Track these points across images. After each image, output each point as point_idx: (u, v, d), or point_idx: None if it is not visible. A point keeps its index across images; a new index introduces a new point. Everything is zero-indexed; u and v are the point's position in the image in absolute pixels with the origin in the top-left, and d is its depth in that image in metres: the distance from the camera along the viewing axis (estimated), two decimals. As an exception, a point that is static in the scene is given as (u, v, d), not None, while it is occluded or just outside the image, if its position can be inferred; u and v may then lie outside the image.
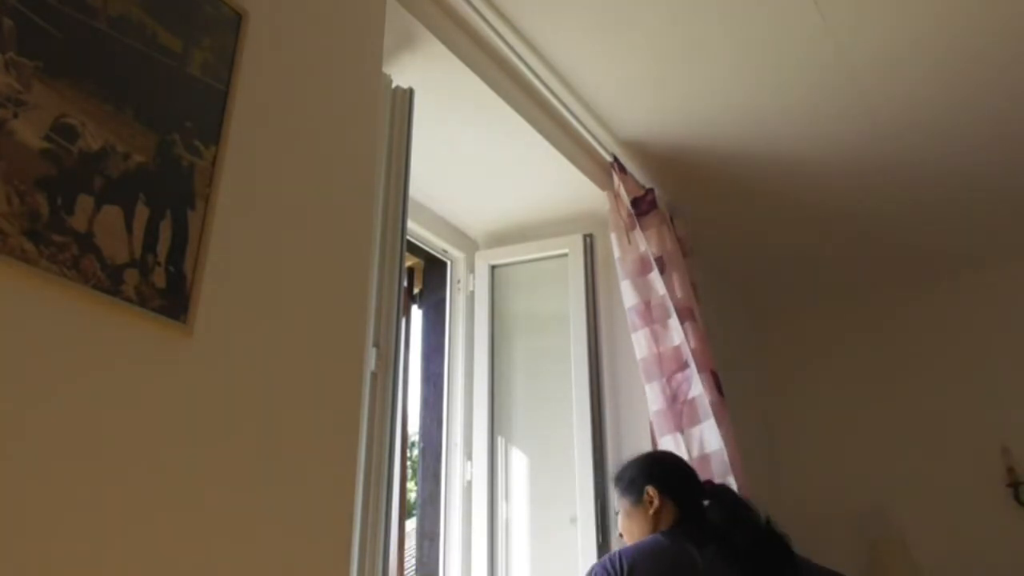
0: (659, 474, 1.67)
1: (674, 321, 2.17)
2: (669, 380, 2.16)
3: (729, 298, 3.33)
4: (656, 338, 2.20)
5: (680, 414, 2.13)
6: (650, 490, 1.63)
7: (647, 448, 2.20)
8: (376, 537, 1.34)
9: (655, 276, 2.23)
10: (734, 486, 2.02)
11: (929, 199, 2.73)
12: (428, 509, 2.23)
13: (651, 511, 1.61)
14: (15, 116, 0.88)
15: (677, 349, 2.17)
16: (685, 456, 2.10)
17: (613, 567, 1.45)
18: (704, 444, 2.08)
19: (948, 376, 3.14)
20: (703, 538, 1.51)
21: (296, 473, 1.13)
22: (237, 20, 1.21)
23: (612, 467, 2.21)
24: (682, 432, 2.11)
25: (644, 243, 2.26)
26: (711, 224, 2.83)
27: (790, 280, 3.35)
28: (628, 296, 2.25)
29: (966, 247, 3.07)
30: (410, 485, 2.62)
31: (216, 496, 1.01)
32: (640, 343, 2.21)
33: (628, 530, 1.65)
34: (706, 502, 1.63)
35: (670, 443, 2.12)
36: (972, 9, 1.93)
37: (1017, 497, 2.86)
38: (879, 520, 3.07)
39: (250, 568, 1.03)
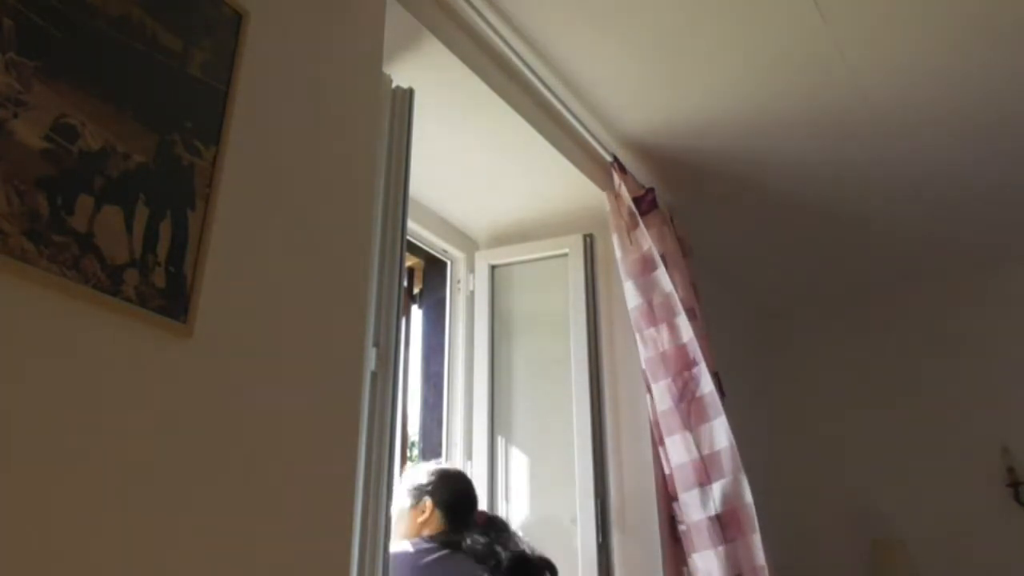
0: (441, 490, 1.79)
1: (682, 319, 2.17)
2: (676, 378, 2.15)
3: (729, 298, 3.33)
4: (661, 337, 2.20)
5: (688, 412, 2.12)
6: (430, 501, 1.76)
7: (647, 449, 2.21)
8: (376, 537, 1.34)
9: (661, 273, 2.22)
10: (744, 484, 2.02)
11: (929, 200, 2.73)
12: (428, 509, 2.22)
13: (420, 519, 1.74)
14: (15, 116, 0.88)
15: (685, 347, 2.17)
16: (695, 454, 2.09)
17: None
18: (714, 441, 2.08)
19: (948, 376, 3.14)
20: (458, 549, 1.66)
21: (296, 473, 1.13)
22: (237, 20, 1.21)
23: (612, 467, 2.21)
24: (691, 430, 2.11)
25: (648, 241, 2.25)
26: (711, 224, 2.83)
27: (790, 280, 3.36)
28: (631, 297, 2.25)
29: (966, 248, 3.07)
30: (410, 485, 2.61)
31: (216, 496, 1.01)
32: (644, 344, 2.21)
33: (396, 528, 1.75)
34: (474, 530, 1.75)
35: (678, 442, 2.11)
36: (973, 8, 1.93)
37: (1017, 497, 2.86)
38: (879, 520, 3.07)
39: (250, 568, 1.03)
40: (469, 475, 1.98)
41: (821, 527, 3.14)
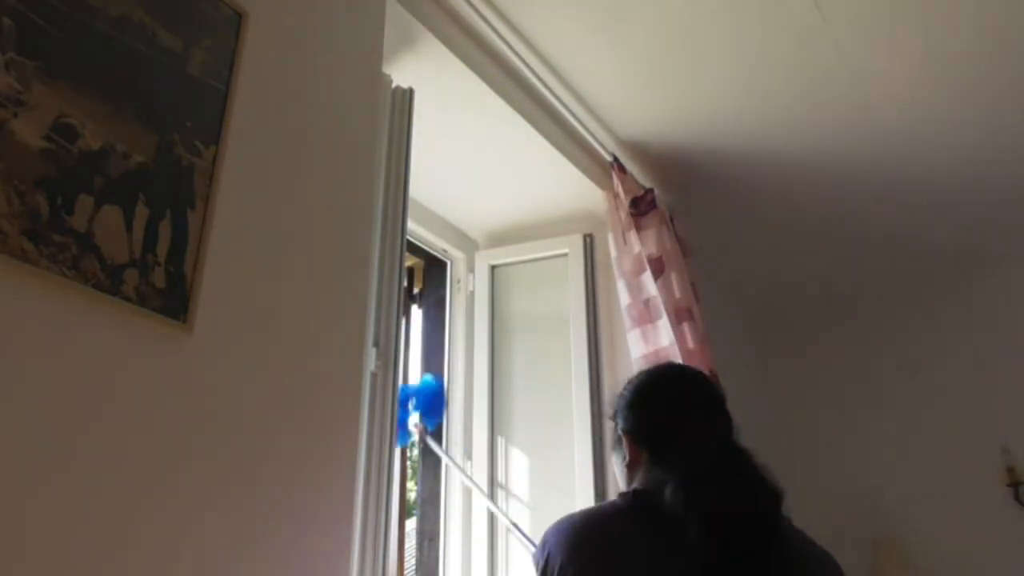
0: (635, 414, 1.22)
1: (663, 322, 2.18)
2: None
3: (729, 298, 3.33)
4: (645, 339, 2.20)
5: None
6: (624, 437, 1.22)
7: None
8: (376, 537, 1.34)
9: (647, 276, 2.23)
10: None
11: (930, 200, 2.73)
12: (428, 509, 2.23)
13: (625, 463, 1.20)
14: (15, 116, 0.88)
15: (665, 350, 2.18)
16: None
17: (540, 547, 1.11)
18: None
19: (948, 376, 3.14)
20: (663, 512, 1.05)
21: (296, 473, 1.13)
22: (237, 20, 1.21)
23: (611, 468, 2.21)
24: None
25: (639, 244, 2.26)
26: (711, 224, 2.83)
27: (790, 280, 3.35)
28: (623, 296, 2.25)
29: (966, 248, 3.06)
30: (410, 485, 2.62)
31: (216, 495, 1.01)
32: (635, 342, 2.22)
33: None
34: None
35: None
36: (973, 7, 1.93)
37: (1017, 497, 2.86)
38: (879, 520, 3.07)
39: (250, 567, 1.03)
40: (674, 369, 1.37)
41: (821, 527, 3.13)
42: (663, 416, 1.21)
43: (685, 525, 1.02)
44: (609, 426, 1.27)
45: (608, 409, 1.30)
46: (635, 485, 1.16)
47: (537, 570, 1.09)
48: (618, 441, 1.24)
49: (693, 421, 1.19)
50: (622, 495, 1.16)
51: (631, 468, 1.19)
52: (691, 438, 1.15)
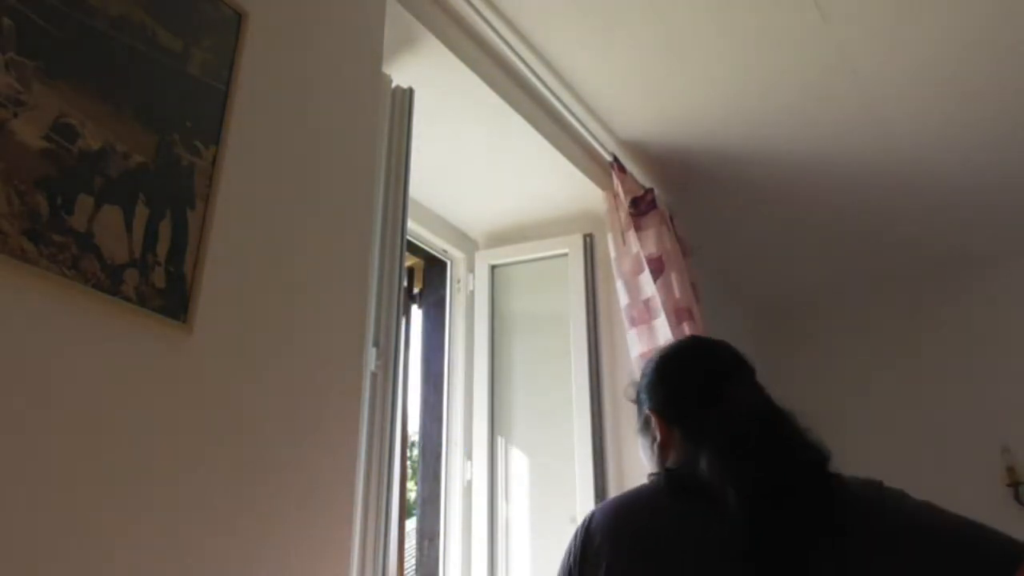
0: (662, 391, 1.17)
1: (661, 322, 2.18)
2: None
3: (729, 298, 3.33)
4: (642, 339, 2.21)
5: None
6: (653, 416, 1.16)
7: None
8: (376, 537, 1.34)
9: (645, 276, 2.24)
10: None
11: (930, 199, 2.73)
12: (428, 509, 2.23)
13: (655, 444, 1.15)
14: (15, 116, 0.88)
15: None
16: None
17: (582, 526, 1.08)
18: None
19: (948, 376, 3.14)
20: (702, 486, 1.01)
21: (296, 472, 1.13)
22: (237, 20, 1.21)
23: (612, 467, 2.21)
24: None
25: (637, 245, 2.26)
26: (711, 224, 2.83)
27: (789, 280, 3.35)
28: (622, 296, 2.26)
29: (966, 246, 3.07)
30: (410, 485, 2.62)
31: (216, 495, 1.01)
32: (634, 342, 2.22)
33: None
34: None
35: None
36: (974, 7, 1.93)
37: (1017, 497, 2.86)
38: (879, 520, 3.07)
39: (250, 567, 1.03)
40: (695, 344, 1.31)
41: (821, 527, 3.14)
42: (691, 388, 1.15)
43: (723, 496, 0.96)
44: (632, 410, 1.22)
45: (631, 392, 1.23)
46: (669, 464, 1.11)
47: (576, 542, 1.05)
48: (645, 424, 1.18)
49: (724, 389, 1.12)
50: (654, 475, 1.11)
51: (664, 448, 1.13)
52: (724, 406, 1.08)
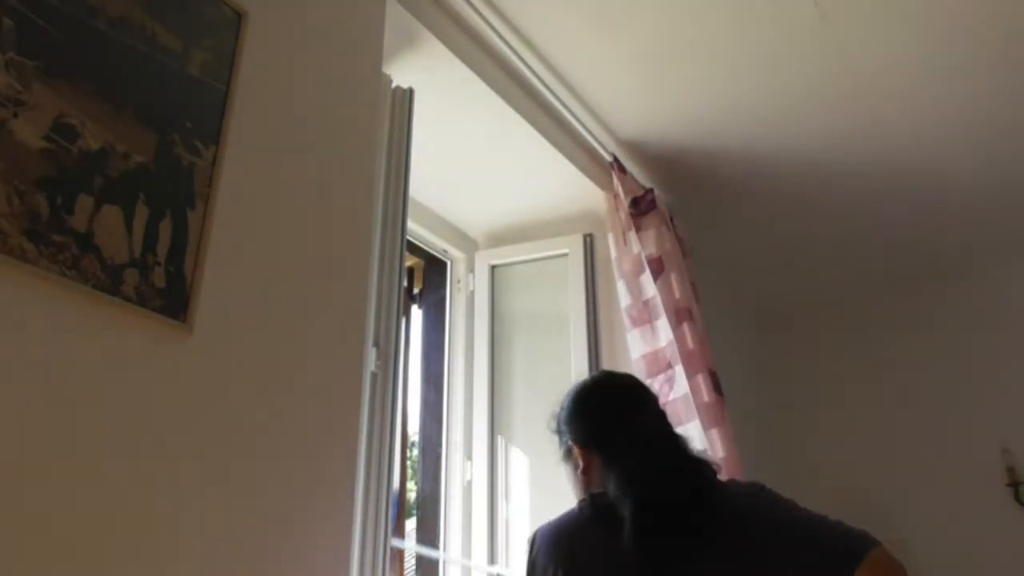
0: (580, 422, 1.29)
1: (662, 322, 2.18)
2: (652, 381, 2.17)
3: (729, 298, 3.33)
4: (644, 339, 2.21)
5: None
6: (574, 447, 1.27)
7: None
8: (376, 537, 1.34)
9: (646, 277, 2.24)
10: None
11: (930, 199, 2.73)
12: (428, 509, 2.23)
13: (578, 471, 1.26)
14: (15, 116, 0.88)
15: (662, 350, 2.18)
16: None
17: (528, 550, 1.21)
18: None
19: (948, 376, 3.14)
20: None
21: (296, 472, 1.13)
22: (237, 20, 1.21)
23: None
24: None
25: (638, 245, 2.26)
26: (711, 224, 2.83)
27: (790, 280, 3.35)
28: (623, 296, 2.26)
29: (967, 247, 3.06)
30: (410, 485, 2.62)
31: (216, 495, 1.01)
32: (634, 343, 2.22)
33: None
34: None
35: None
36: (974, 6, 1.93)
37: (1017, 497, 2.86)
38: (879, 520, 3.07)
39: (250, 567, 1.03)
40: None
41: (821, 527, 3.14)
42: (606, 418, 1.27)
43: (623, 511, 1.11)
44: (554, 441, 1.34)
45: (552, 424, 1.35)
46: (592, 489, 1.22)
47: (528, 565, 1.20)
48: (567, 453, 1.30)
49: (629, 418, 1.25)
50: (580, 501, 1.23)
51: (586, 475, 1.25)
52: (631, 432, 1.22)
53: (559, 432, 1.33)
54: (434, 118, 2.00)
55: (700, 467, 1.18)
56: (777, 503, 1.18)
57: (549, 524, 1.24)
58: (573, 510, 1.23)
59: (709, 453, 1.28)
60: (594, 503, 1.18)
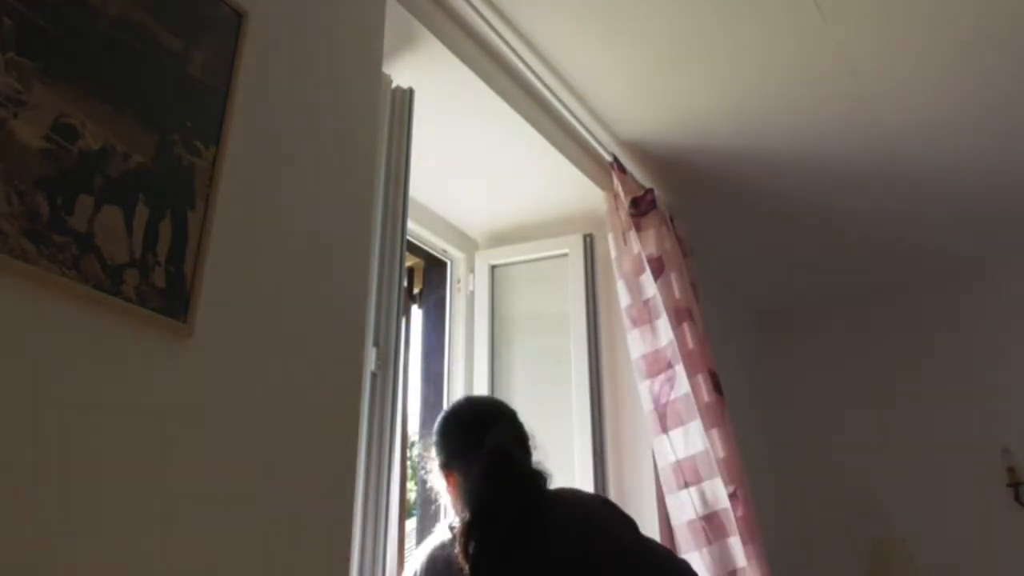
0: (445, 447, 1.42)
1: (662, 322, 2.18)
2: (654, 381, 2.17)
3: (729, 298, 3.33)
4: (645, 339, 2.21)
5: (664, 416, 2.14)
6: (442, 470, 1.41)
7: (646, 448, 2.20)
8: (376, 537, 1.34)
9: (647, 277, 2.24)
10: (722, 488, 2.02)
11: (930, 199, 2.73)
12: (428, 509, 2.22)
13: (448, 492, 1.39)
14: (15, 116, 0.88)
15: (663, 350, 2.18)
16: (671, 457, 2.10)
17: (409, 568, 1.36)
18: (688, 445, 2.09)
19: (948, 376, 3.14)
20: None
21: (296, 473, 1.13)
22: (237, 20, 1.21)
23: (612, 466, 2.21)
24: (666, 433, 2.12)
25: (638, 245, 2.26)
26: (711, 224, 2.83)
27: (790, 280, 3.35)
28: (623, 296, 2.26)
29: (967, 247, 3.07)
30: (410, 485, 2.61)
31: (216, 496, 1.01)
32: (635, 343, 2.22)
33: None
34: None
35: (661, 443, 2.13)
36: (974, 6, 1.93)
37: (1017, 497, 2.86)
38: (879, 520, 3.07)
39: (250, 568, 1.03)
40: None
41: (821, 527, 3.14)
42: (456, 442, 1.39)
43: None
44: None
45: (430, 452, 1.47)
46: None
47: None
48: (440, 477, 1.41)
49: (477, 440, 1.35)
50: (452, 525, 1.32)
51: (453, 496, 1.36)
52: (473, 454, 1.33)
53: (434, 457, 1.44)
54: (434, 118, 2.00)
55: (531, 480, 1.28)
56: (616, 522, 1.27)
57: (427, 552, 1.34)
58: (445, 533, 1.34)
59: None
60: (454, 525, 1.29)
